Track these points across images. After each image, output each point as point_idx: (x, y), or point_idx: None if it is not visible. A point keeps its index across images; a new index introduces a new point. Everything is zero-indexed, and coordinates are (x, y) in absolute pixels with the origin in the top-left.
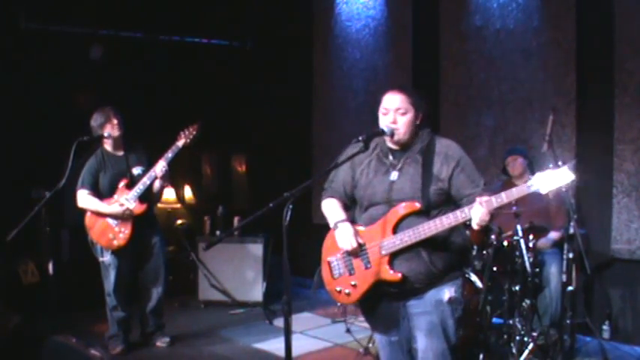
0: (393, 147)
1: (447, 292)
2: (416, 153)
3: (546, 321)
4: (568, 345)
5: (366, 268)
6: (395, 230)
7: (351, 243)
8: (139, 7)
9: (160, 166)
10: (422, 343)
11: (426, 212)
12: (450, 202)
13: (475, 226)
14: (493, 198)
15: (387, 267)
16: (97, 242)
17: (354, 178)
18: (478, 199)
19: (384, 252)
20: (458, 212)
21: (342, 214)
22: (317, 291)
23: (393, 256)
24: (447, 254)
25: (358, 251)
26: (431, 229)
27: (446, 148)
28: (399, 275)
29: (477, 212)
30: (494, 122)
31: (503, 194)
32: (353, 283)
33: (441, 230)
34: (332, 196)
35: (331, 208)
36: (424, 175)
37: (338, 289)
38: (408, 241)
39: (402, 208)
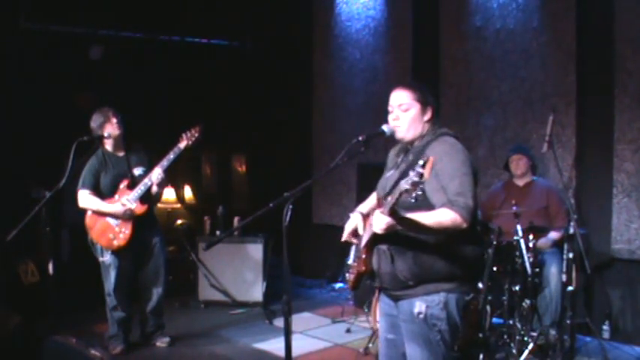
0: (408, 145)
1: (418, 306)
2: (412, 151)
3: (546, 321)
4: (568, 345)
5: (358, 257)
6: None
7: (345, 232)
8: (139, 7)
9: (156, 174)
10: (407, 348)
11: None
12: (429, 205)
13: (375, 230)
14: (388, 198)
15: (363, 258)
16: (97, 242)
17: None
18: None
19: (362, 243)
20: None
21: (364, 206)
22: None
23: (371, 251)
24: (415, 264)
25: (355, 241)
26: (370, 230)
27: (431, 149)
28: (364, 267)
29: (374, 216)
30: (494, 122)
31: (391, 195)
32: (351, 270)
33: (372, 232)
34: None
35: (366, 201)
36: (402, 174)
37: (347, 275)
38: (367, 236)
39: (376, 204)
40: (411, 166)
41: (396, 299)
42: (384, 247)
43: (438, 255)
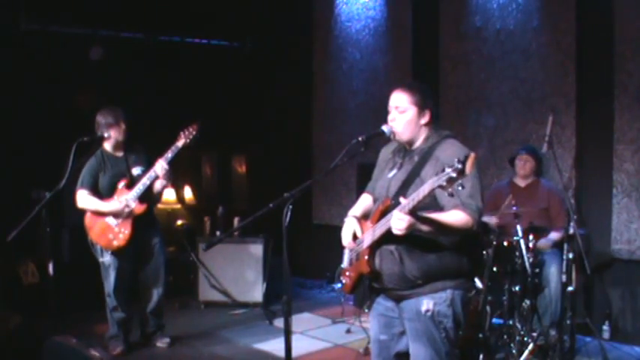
0: (406, 146)
1: (425, 304)
2: (416, 153)
3: (546, 321)
4: (568, 345)
5: (356, 260)
6: None
7: (345, 237)
8: (140, 7)
9: (160, 166)
10: (411, 347)
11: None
12: (438, 206)
13: (395, 231)
14: (409, 198)
15: (366, 260)
16: (96, 243)
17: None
18: (402, 201)
19: (364, 245)
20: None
21: (357, 210)
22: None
23: (374, 252)
24: (425, 263)
25: (353, 245)
26: (381, 228)
27: (442, 151)
28: (369, 268)
29: (393, 217)
30: (494, 122)
31: (414, 194)
32: (348, 274)
33: (383, 231)
34: (367, 192)
35: (357, 203)
36: (410, 174)
37: (342, 278)
38: (372, 238)
39: (380, 205)
40: (420, 166)
41: (399, 299)
42: (391, 247)
43: (445, 253)
